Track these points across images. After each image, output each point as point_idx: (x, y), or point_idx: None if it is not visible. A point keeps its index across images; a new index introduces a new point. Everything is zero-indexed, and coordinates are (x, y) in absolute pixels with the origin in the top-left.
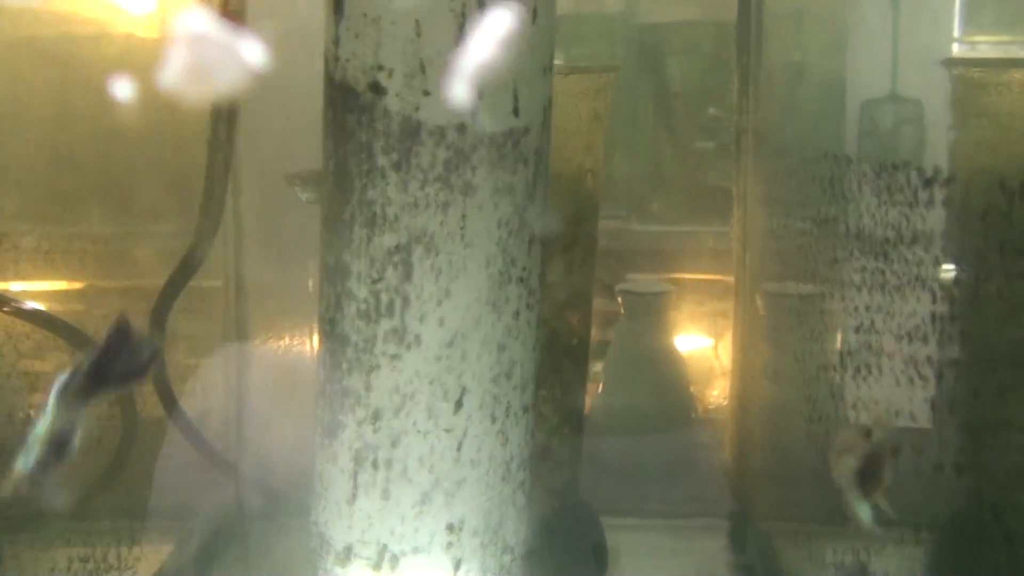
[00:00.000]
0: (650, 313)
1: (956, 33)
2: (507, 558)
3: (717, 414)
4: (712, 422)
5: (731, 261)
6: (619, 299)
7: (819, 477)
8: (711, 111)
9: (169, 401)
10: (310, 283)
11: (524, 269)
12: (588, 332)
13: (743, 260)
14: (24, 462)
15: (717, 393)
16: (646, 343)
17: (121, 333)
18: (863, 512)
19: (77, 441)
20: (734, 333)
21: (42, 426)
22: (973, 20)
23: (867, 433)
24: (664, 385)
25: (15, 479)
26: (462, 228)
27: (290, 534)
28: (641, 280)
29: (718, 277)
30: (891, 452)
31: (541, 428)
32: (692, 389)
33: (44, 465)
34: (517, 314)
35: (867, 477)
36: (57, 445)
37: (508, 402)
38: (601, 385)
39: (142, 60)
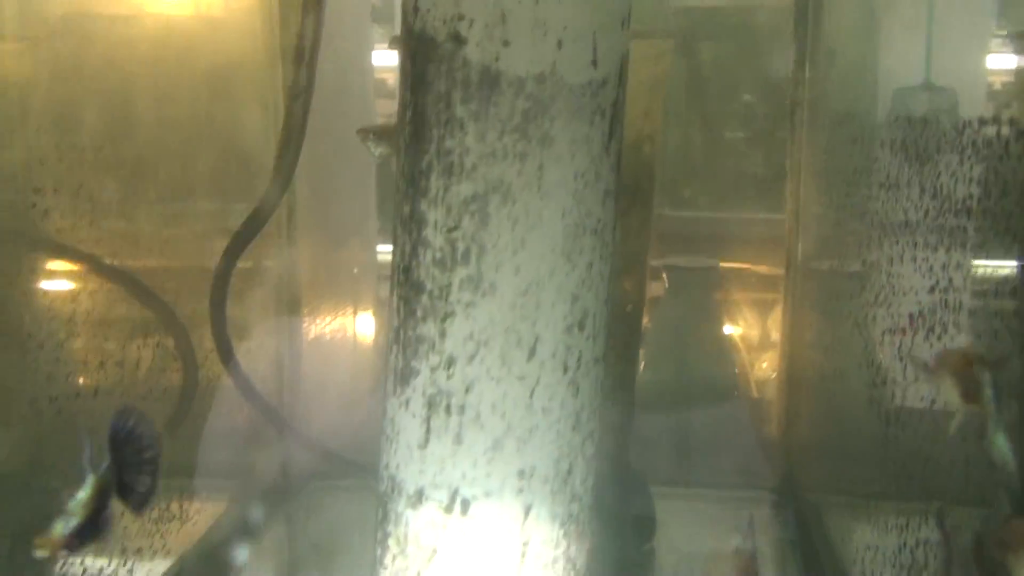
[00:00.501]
0: (695, 288)
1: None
2: (575, 506)
3: (764, 387)
4: (759, 396)
5: (765, 249)
6: (663, 274)
7: (877, 443)
8: (745, 97)
9: (227, 356)
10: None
11: (599, 221)
12: (643, 299)
13: (795, 231)
14: (64, 527)
15: (765, 365)
16: (691, 318)
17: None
18: (999, 442)
19: (111, 512)
20: (784, 306)
21: (82, 493)
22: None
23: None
24: (708, 360)
25: (54, 542)
26: (539, 178)
27: (338, 494)
28: (685, 256)
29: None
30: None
31: None
32: (738, 364)
33: (82, 532)
34: (591, 265)
35: (969, 391)
36: (95, 513)
37: (580, 352)
38: (642, 362)
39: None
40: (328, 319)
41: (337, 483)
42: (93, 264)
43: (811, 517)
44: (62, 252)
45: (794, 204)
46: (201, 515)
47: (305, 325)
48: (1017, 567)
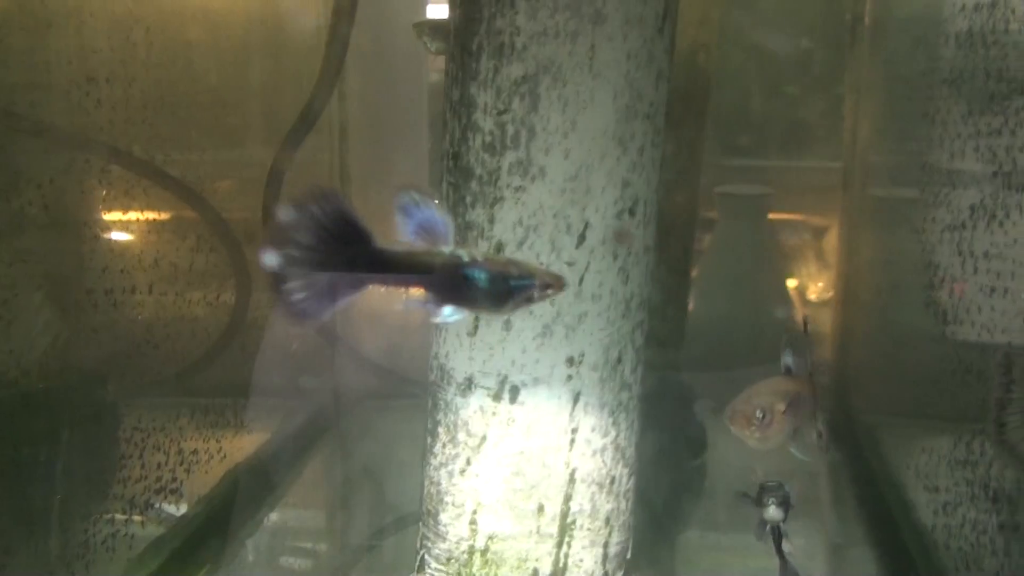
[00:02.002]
0: (749, 215)
1: None
2: (625, 395)
3: (820, 310)
4: (813, 320)
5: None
6: (717, 202)
7: (933, 355)
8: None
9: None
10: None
11: (651, 105)
12: (695, 212)
13: (853, 149)
14: None
15: (821, 285)
16: (746, 245)
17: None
18: None
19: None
20: (841, 226)
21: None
22: None
23: None
24: (763, 287)
25: None
26: (590, 58)
27: (386, 414)
28: (739, 183)
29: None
30: None
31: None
32: (793, 290)
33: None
34: (642, 151)
35: None
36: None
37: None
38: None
39: None
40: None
41: (389, 402)
42: (149, 171)
43: (865, 438)
44: (118, 155)
45: (851, 120)
46: (257, 426)
47: None
48: None
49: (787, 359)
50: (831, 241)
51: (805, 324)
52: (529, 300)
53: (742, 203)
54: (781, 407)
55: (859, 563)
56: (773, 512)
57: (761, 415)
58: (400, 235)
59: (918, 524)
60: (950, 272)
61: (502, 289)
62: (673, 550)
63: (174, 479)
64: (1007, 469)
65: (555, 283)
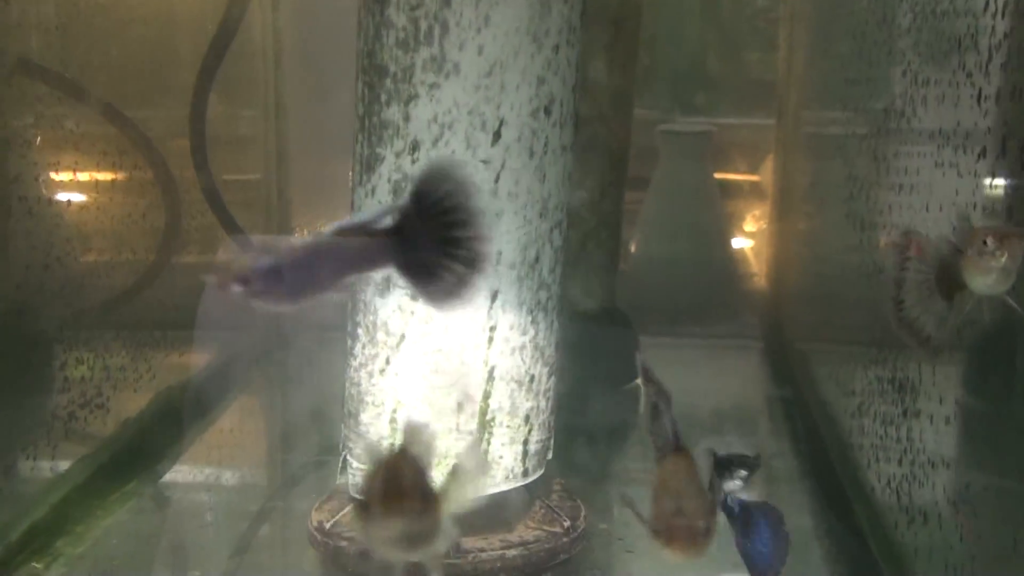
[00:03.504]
0: (691, 152)
1: None
2: (543, 294)
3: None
4: (748, 252)
5: None
6: (659, 139)
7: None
8: None
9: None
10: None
11: (566, 2)
12: (628, 136)
13: (787, 84)
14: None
15: (758, 214)
16: (686, 182)
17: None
18: None
19: None
20: (775, 158)
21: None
22: None
23: None
24: (702, 223)
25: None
26: None
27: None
28: (682, 120)
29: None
30: None
31: (578, 230)
32: (730, 226)
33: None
34: (557, 48)
35: None
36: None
37: (546, 138)
38: (639, 225)
39: None
40: None
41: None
42: (70, 88)
43: (798, 363)
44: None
45: (787, 51)
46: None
47: None
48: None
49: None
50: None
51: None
52: None
53: (684, 140)
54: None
55: (785, 472)
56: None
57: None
58: None
59: (838, 431)
60: (866, 179)
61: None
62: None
63: (99, 394)
64: (908, 356)
65: None
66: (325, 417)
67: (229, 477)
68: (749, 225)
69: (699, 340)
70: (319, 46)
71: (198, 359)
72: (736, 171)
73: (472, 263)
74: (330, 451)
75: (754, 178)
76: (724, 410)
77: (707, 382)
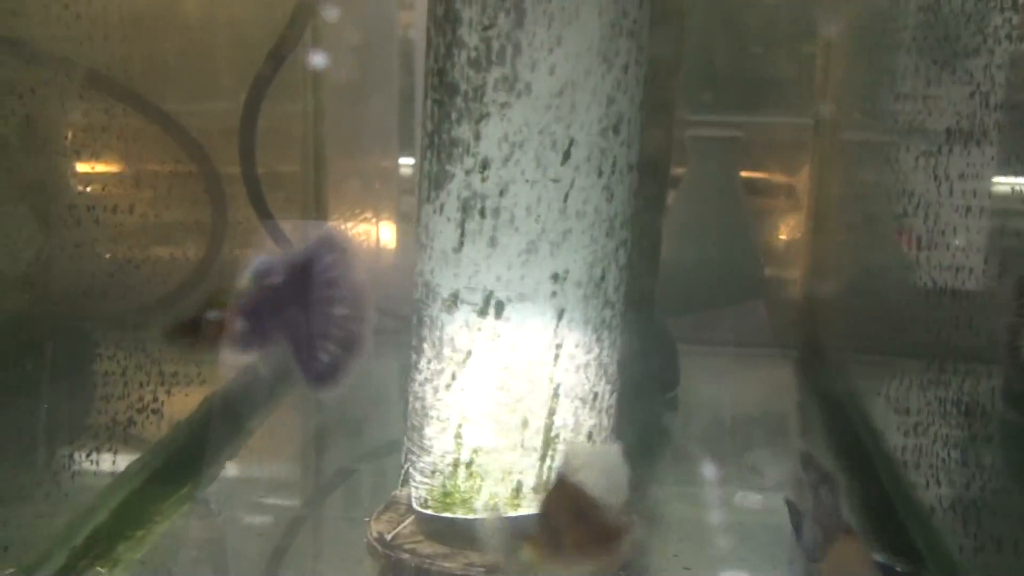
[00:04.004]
0: (720, 157)
1: None
2: (608, 312)
3: (789, 250)
4: (782, 260)
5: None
6: (688, 144)
7: (906, 286)
8: None
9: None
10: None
11: (635, 23)
12: (669, 147)
13: (824, 89)
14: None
15: (793, 225)
16: (715, 187)
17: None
18: None
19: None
20: (812, 167)
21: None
22: None
23: None
24: (730, 229)
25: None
26: None
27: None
28: (710, 124)
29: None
30: None
31: None
32: (760, 233)
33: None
34: (626, 68)
35: None
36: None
37: (615, 157)
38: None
39: None
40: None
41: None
42: (133, 99)
43: (837, 375)
44: (103, 82)
45: (824, 60)
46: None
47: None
48: None
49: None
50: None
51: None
52: None
53: (712, 145)
54: None
55: None
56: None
57: None
58: None
59: (887, 448)
60: (924, 198)
61: None
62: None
63: (155, 399)
64: (978, 381)
65: None
66: (367, 420)
67: (277, 481)
68: (782, 232)
69: (730, 348)
70: (354, 53)
71: (243, 360)
72: (769, 174)
73: (348, 345)
74: (364, 458)
75: (788, 180)
76: (757, 419)
77: (738, 391)
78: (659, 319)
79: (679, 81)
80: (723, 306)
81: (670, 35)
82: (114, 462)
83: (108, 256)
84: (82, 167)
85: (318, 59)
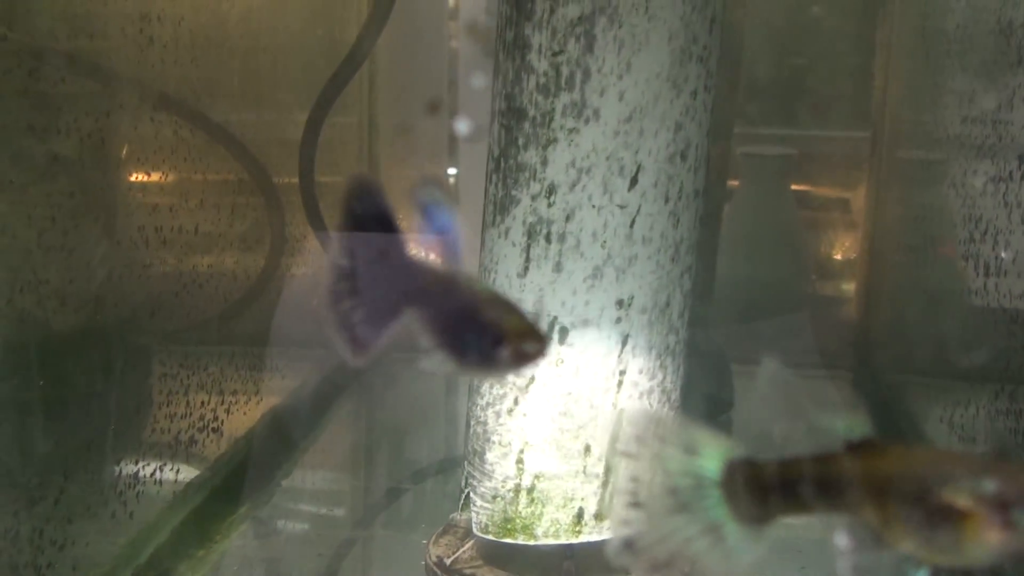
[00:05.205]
0: (773, 176)
1: None
2: (672, 338)
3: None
4: (834, 278)
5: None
6: (741, 162)
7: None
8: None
9: (314, 217)
10: None
11: (705, 48)
12: (727, 167)
13: (882, 110)
14: None
15: (848, 245)
16: (768, 205)
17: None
18: None
19: None
20: (868, 187)
21: None
22: None
23: None
24: (783, 247)
25: None
26: (646, 0)
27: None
28: (763, 143)
29: None
30: None
31: None
32: (812, 253)
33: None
34: (695, 94)
35: None
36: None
37: (681, 183)
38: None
39: None
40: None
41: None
42: (197, 118)
43: (893, 398)
44: (170, 103)
45: (883, 80)
46: (291, 371)
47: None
48: None
49: None
50: (857, 199)
51: None
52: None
53: (766, 164)
54: None
55: None
56: None
57: None
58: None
59: None
60: (994, 224)
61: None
62: None
63: (215, 418)
64: None
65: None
66: (416, 438)
67: (330, 501)
68: (836, 252)
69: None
70: (405, 70)
71: (297, 379)
72: (824, 190)
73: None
74: (415, 477)
75: (844, 195)
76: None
77: (792, 413)
78: (713, 339)
79: (737, 103)
80: (771, 319)
81: (729, 57)
82: (176, 480)
83: (173, 274)
84: (151, 187)
85: (374, 73)
